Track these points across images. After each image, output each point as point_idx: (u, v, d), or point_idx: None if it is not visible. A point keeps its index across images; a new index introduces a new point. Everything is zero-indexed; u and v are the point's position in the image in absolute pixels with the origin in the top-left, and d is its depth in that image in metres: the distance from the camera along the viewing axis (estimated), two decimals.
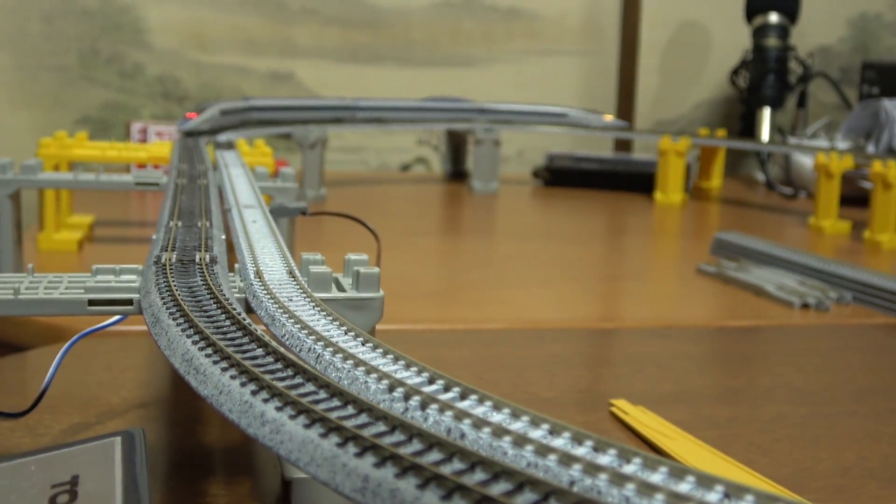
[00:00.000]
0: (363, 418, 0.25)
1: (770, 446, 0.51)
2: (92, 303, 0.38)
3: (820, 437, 0.52)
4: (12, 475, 0.25)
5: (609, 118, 1.51)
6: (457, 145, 1.56)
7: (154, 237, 0.46)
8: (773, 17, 1.52)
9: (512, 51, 1.71)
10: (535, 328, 0.73)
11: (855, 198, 1.31)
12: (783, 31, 1.52)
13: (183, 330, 0.32)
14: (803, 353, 0.70)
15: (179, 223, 0.48)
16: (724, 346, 0.73)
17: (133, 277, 0.41)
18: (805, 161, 1.47)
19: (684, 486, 0.21)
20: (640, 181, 1.46)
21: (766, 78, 1.51)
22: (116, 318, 0.46)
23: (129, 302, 0.39)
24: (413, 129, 1.63)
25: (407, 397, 0.27)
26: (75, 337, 0.45)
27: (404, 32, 1.67)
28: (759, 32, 1.53)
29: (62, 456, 0.26)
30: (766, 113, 1.52)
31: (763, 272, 0.90)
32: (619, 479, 0.22)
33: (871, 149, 1.41)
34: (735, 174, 1.73)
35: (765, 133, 1.52)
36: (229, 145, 0.93)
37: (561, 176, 1.51)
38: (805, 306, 0.80)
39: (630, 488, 0.21)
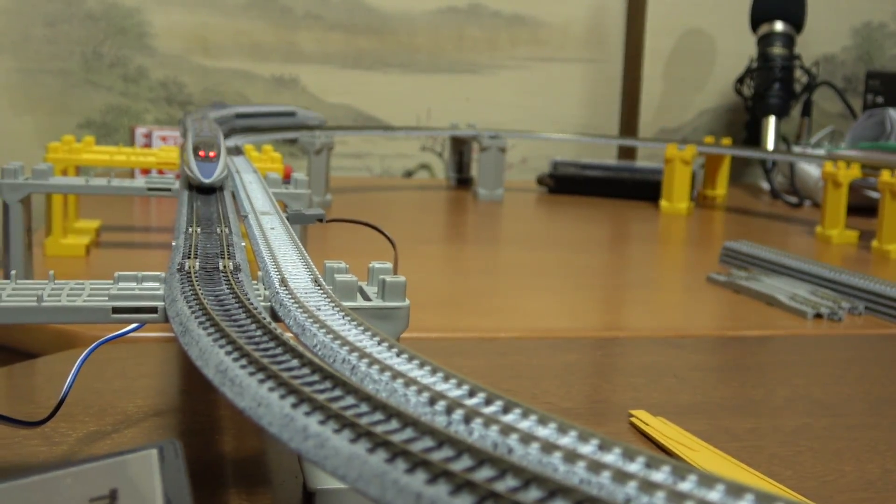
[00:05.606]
0: (409, 433, 0.24)
1: (793, 459, 0.50)
2: (116, 311, 0.37)
3: (842, 449, 0.52)
4: (48, 489, 0.25)
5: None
6: (461, 152, 1.56)
7: (174, 244, 0.46)
8: (779, 26, 1.52)
9: (516, 57, 1.70)
10: (550, 337, 0.72)
11: (861, 207, 1.31)
12: (789, 40, 1.52)
13: (215, 340, 0.31)
14: (819, 363, 0.69)
15: (199, 230, 0.48)
16: (739, 356, 0.72)
17: (156, 285, 0.40)
18: (810, 170, 1.47)
19: None
20: (644, 189, 1.45)
21: (772, 86, 1.51)
22: (132, 326, 0.46)
23: (154, 310, 0.38)
24: (417, 135, 1.63)
25: (449, 410, 0.26)
26: (94, 344, 0.45)
27: (409, 38, 1.67)
28: (765, 41, 1.53)
29: (98, 469, 0.25)
30: (772, 121, 1.52)
31: (774, 282, 0.90)
32: (676, 497, 0.21)
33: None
34: (739, 183, 1.72)
35: (770, 141, 1.51)
36: (237, 151, 0.93)
37: (565, 183, 1.50)
38: (818, 316, 0.80)
39: None
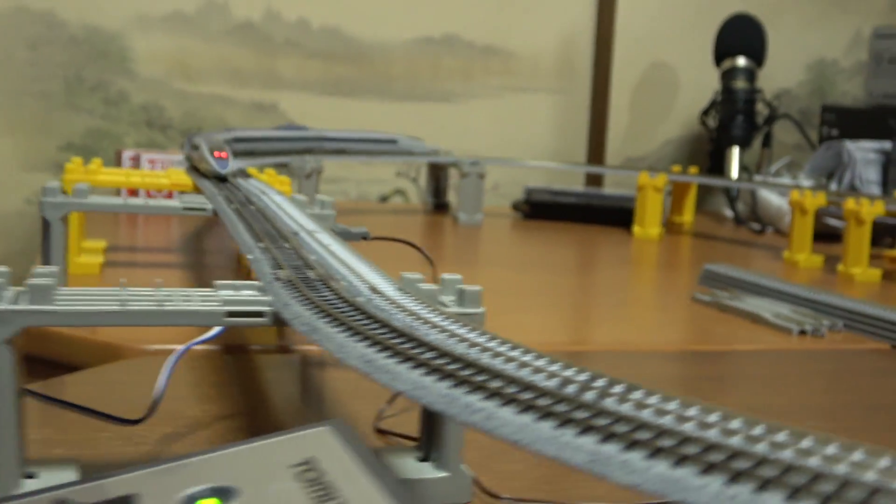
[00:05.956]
0: (564, 406, 0.28)
1: None
2: (230, 314, 0.41)
3: None
4: (245, 459, 0.28)
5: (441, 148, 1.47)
6: (437, 178, 1.60)
7: (251, 257, 0.49)
8: (741, 61, 1.60)
9: (489, 87, 1.76)
10: (557, 350, 0.77)
11: (821, 234, 1.38)
12: (750, 74, 1.60)
13: (348, 335, 0.35)
14: (810, 375, 0.75)
15: (270, 244, 0.51)
16: (735, 368, 0.78)
17: (253, 293, 0.44)
18: (772, 198, 1.55)
19: None
20: (616, 215, 1.51)
21: (735, 118, 1.59)
22: (214, 332, 0.49)
23: (261, 314, 0.42)
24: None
25: (581, 391, 0.31)
26: (183, 348, 0.48)
27: (385, 67, 1.71)
28: (728, 75, 1.61)
29: (283, 443, 0.29)
30: (735, 151, 1.59)
31: (757, 301, 0.95)
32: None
33: (833, 187, 1.48)
34: (702, 210, 1.79)
35: (734, 171, 1.59)
36: (244, 174, 0.96)
37: (540, 209, 1.55)
38: (802, 332, 0.86)
39: None
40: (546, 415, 0.27)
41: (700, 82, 1.74)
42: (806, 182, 1.49)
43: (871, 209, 1.16)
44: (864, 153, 1.52)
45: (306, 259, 0.48)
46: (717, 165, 1.63)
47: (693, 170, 1.54)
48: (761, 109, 1.63)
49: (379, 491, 0.25)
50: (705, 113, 1.65)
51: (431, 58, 1.73)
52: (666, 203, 1.51)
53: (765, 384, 0.71)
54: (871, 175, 1.53)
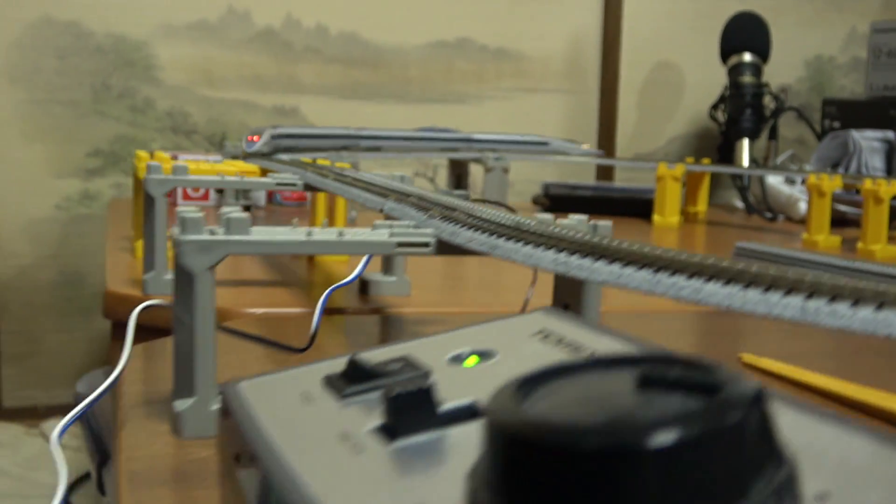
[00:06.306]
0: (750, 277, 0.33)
1: None
2: (400, 245, 0.46)
3: None
4: (490, 331, 0.33)
5: (586, 146, 1.60)
6: (458, 175, 1.65)
7: (388, 206, 0.54)
8: (747, 57, 1.66)
9: (501, 88, 1.81)
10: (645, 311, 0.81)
11: (832, 220, 1.44)
12: (756, 69, 1.66)
13: (531, 246, 0.40)
14: None
15: (398, 197, 0.56)
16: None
17: (406, 223, 0.48)
18: (782, 188, 1.61)
19: None
20: (633, 206, 1.57)
21: (744, 111, 1.65)
22: (354, 275, 0.54)
23: (427, 244, 0.46)
24: (410, 157, 1.72)
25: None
26: (330, 289, 0.52)
27: (402, 71, 1.76)
28: (735, 70, 1.67)
29: (513, 322, 0.33)
30: (745, 143, 1.65)
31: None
32: None
33: None
34: (713, 204, 1.85)
35: (745, 161, 1.65)
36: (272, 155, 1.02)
37: (559, 202, 1.61)
38: None
39: None
40: (750, 283, 0.32)
41: (704, 80, 1.81)
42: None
43: (889, 188, 1.22)
44: (868, 142, 1.59)
45: (440, 201, 0.53)
46: (725, 158, 1.69)
47: (706, 161, 1.60)
48: (768, 103, 1.69)
49: (618, 340, 0.30)
50: (714, 107, 1.71)
51: (446, 61, 1.78)
52: (681, 193, 1.57)
53: (828, 332, 0.76)
54: (876, 162, 1.60)
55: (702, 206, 1.62)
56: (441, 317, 0.68)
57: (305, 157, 1.22)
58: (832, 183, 1.31)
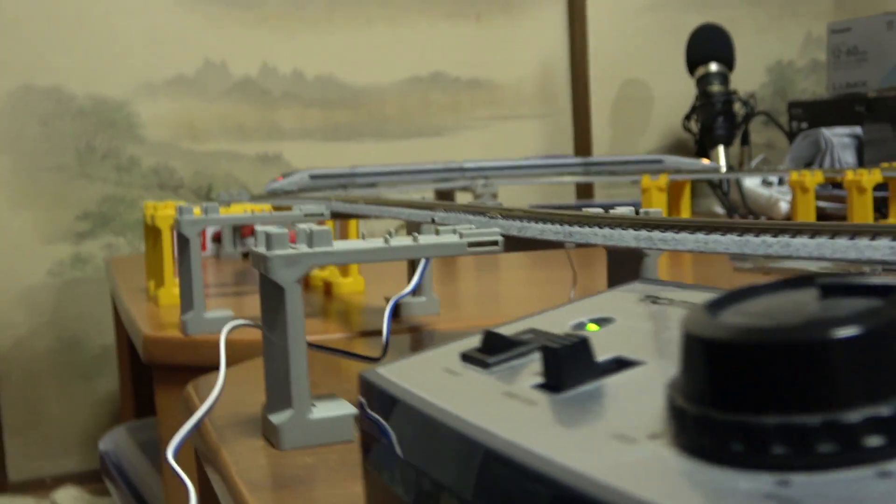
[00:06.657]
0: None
1: None
2: (471, 245, 0.48)
3: None
4: (599, 303, 0.35)
5: (706, 161, 1.65)
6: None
7: (440, 216, 0.56)
8: (713, 66, 1.72)
9: (477, 118, 1.85)
10: None
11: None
12: (724, 78, 1.71)
13: (611, 227, 0.42)
14: None
15: (445, 207, 0.58)
16: None
17: (467, 227, 0.51)
18: (760, 190, 1.65)
19: None
20: None
21: (717, 119, 1.70)
22: (414, 285, 0.56)
23: (496, 243, 0.49)
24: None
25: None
26: (395, 299, 0.55)
27: (379, 109, 1.80)
28: (703, 80, 1.72)
29: (615, 294, 0.36)
30: (721, 150, 1.70)
31: (792, 263, 1.04)
32: None
33: None
34: (694, 211, 1.90)
35: (723, 167, 1.69)
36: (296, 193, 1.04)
37: None
38: None
39: None
40: (835, 234, 0.35)
41: (672, 92, 1.86)
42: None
43: (871, 178, 1.27)
44: (839, 139, 1.64)
45: (487, 206, 0.55)
46: None
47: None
48: (738, 109, 1.74)
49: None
50: (687, 118, 1.76)
51: (421, 96, 1.82)
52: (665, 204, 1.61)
53: None
54: (847, 158, 1.65)
55: (685, 212, 1.66)
56: (482, 327, 0.70)
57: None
58: (814, 178, 1.36)
